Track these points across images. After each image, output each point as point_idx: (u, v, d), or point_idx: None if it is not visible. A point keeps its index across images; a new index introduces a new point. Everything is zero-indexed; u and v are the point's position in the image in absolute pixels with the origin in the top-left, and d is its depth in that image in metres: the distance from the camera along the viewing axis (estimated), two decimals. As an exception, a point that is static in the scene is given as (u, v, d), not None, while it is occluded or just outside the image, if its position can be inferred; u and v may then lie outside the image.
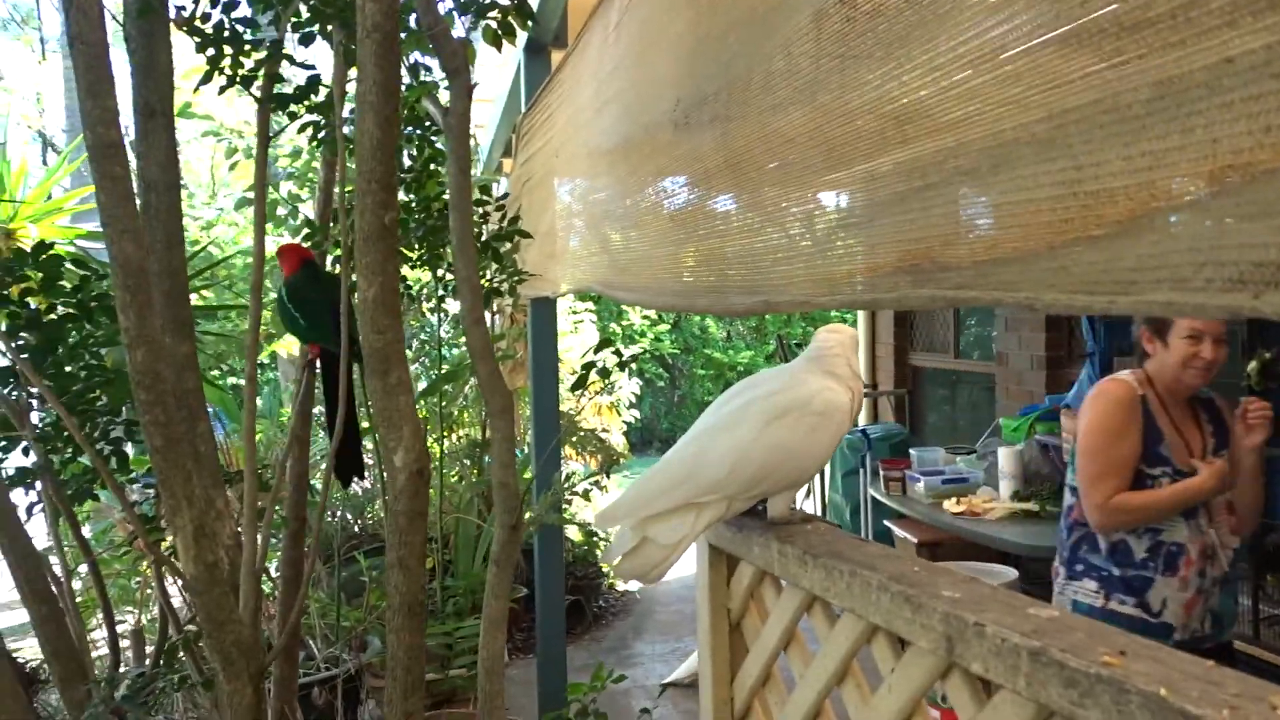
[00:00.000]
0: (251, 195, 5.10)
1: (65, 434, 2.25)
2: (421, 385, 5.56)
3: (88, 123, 1.57)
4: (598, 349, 2.34)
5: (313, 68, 1.98)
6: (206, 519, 1.72)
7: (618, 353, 2.33)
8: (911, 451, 5.72)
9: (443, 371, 5.14)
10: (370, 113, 1.54)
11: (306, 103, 1.97)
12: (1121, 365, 4.07)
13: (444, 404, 5.37)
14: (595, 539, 6.40)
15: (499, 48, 2.34)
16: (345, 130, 2.25)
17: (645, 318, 13.61)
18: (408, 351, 6.41)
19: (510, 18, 2.20)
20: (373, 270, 1.59)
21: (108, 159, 1.58)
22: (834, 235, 1.84)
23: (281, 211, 4.63)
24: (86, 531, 4.84)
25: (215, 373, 4.65)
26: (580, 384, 2.35)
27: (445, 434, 5.55)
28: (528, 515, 4.23)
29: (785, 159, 1.95)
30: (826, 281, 1.81)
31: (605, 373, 2.28)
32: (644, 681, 5.09)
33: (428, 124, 2.92)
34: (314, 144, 2.45)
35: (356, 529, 5.50)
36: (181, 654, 2.29)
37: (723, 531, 1.57)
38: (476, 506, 5.24)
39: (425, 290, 5.00)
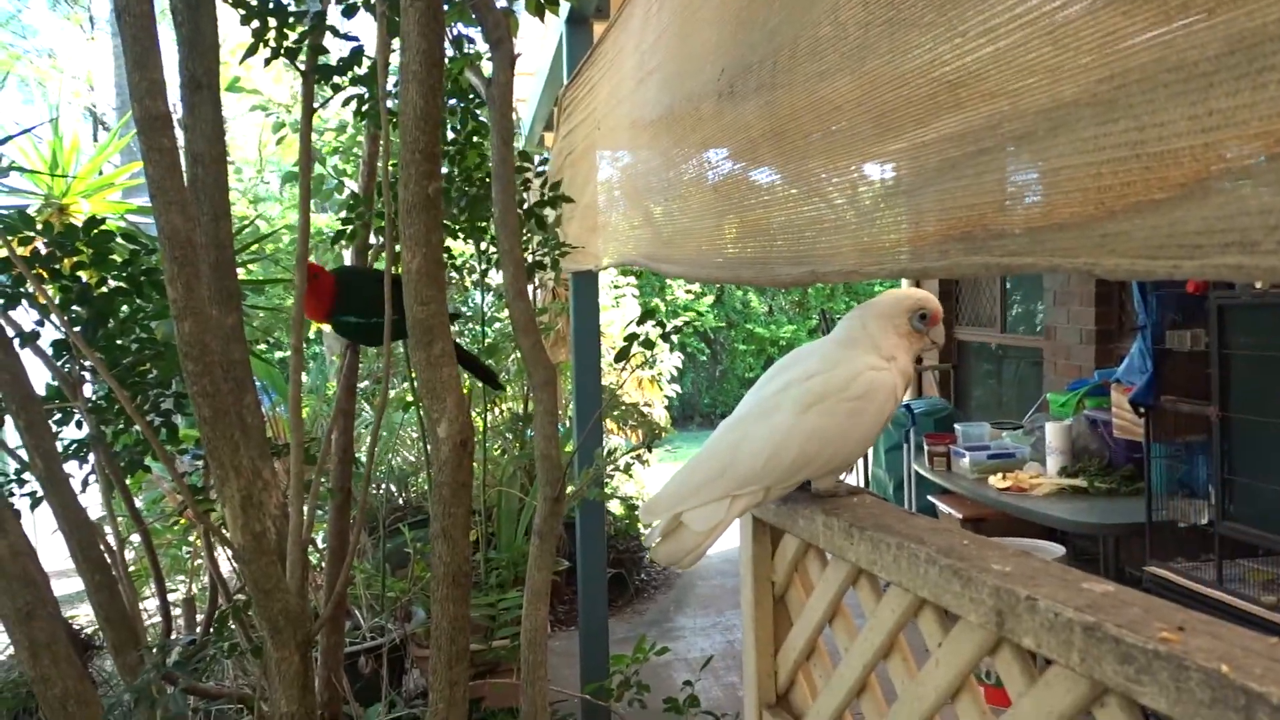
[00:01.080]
0: (298, 169, 5.12)
1: (117, 406, 2.29)
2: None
3: (135, 95, 1.57)
4: (640, 320, 2.33)
5: (356, 39, 1.98)
6: (254, 489, 1.73)
7: (660, 324, 2.31)
8: (956, 427, 5.66)
9: (485, 345, 5.16)
10: (414, 83, 1.53)
11: (350, 74, 1.97)
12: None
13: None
14: (637, 513, 6.42)
15: (541, 17, 2.32)
16: (389, 104, 2.25)
17: (688, 292, 13.57)
18: (452, 325, 6.46)
19: (553, -13, 2.17)
20: (416, 241, 1.59)
21: (155, 131, 1.58)
22: (882, 203, 1.81)
23: (329, 185, 4.66)
24: (139, 502, 4.95)
25: (262, 347, 4.70)
26: (623, 355, 2.34)
27: (488, 408, 5.58)
28: (569, 489, 4.25)
29: (832, 127, 1.92)
30: (874, 250, 1.77)
31: (649, 344, 2.27)
32: (685, 655, 5.11)
33: (471, 96, 2.92)
34: (358, 117, 2.46)
35: (401, 501, 5.56)
36: (231, 622, 2.33)
37: (767, 505, 1.55)
38: (519, 480, 5.27)
39: (468, 264, 5.02)
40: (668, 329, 2.39)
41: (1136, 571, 3.87)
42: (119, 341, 2.35)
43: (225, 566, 2.96)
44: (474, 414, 5.94)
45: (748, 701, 1.63)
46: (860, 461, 7.14)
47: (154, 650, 1.89)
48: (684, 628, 5.63)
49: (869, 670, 1.33)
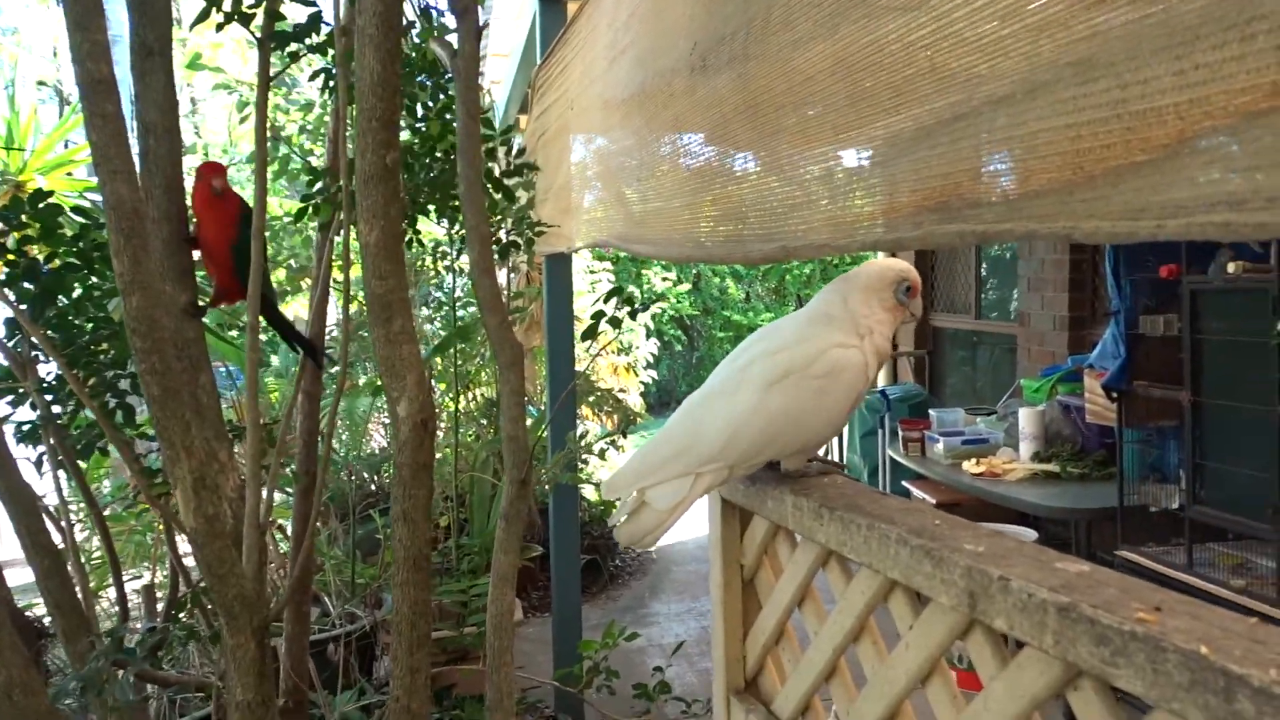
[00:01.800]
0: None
1: (69, 388, 2.22)
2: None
3: (76, 57, 1.50)
4: (607, 298, 2.27)
5: (314, 4, 1.91)
6: (208, 471, 1.67)
7: (629, 300, 2.25)
8: (931, 412, 5.65)
9: (458, 328, 5.09)
10: (370, 47, 1.47)
11: (307, 42, 1.90)
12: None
13: (460, 362, 5.32)
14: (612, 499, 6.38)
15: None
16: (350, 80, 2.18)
17: (665, 279, 13.51)
18: (424, 309, 6.35)
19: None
20: (374, 214, 1.53)
21: (99, 95, 1.51)
22: (855, 176, 1.77)
23: (294, 165, 4.57)
24: (105, 486, 4.85)
25: (234, 333, 4.61)
26: (590, 334, 2.28)
27: (461, 393, 5.52)
28: (543, 473, 4.21)
29: (805, 97, 1.87)
30: (846, 224, 1.73)
31: (615, 322, 2.21)
32: (659, 640, 5.08)
33: (441, 71, 2.85)
34: (323, 92, 2.38)
35: (373, 487, 5.49)
36: (191, 609, 2.27)
37: (736, 486, 1.51)
38: (492, 465, 5.21)
39: (440, 247, 4.94)
40: (635, 307, 2.33)
41: (1108, 556, 3.88)
42: (72, 320, 2.28)
43: (188, 554, 2.89)
44: (446, 399, 5.89)
45: (716, 687, 1.59)
46: (835, 448, 7.13)
47: (104, 638, 1.83)
48: (659, 613, 5.60)
49: (839, 654, 1.29)
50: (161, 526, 3.33)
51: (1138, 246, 3.96)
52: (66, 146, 4.43)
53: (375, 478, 5.52)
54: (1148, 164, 0.89)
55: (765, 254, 2.07)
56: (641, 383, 7.85)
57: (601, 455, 5.07)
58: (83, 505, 2.71)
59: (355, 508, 4.55)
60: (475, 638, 4.00)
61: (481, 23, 2.15)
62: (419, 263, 5.54)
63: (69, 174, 4.00)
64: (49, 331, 2.20)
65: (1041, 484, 4.47)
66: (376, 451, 5.74)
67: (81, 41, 1.50)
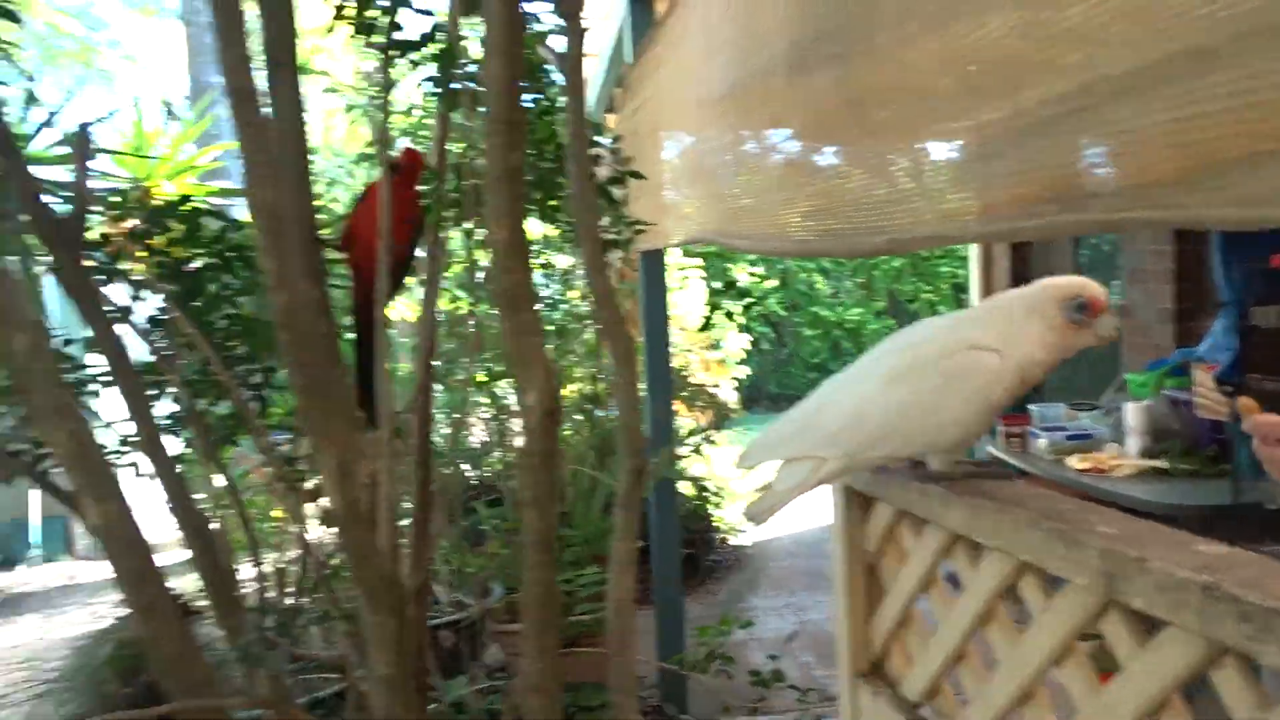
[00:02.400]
0: (369, 151, 5.17)
1: (210, 381, 2.36)
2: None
3: (226, 70, 1.62)
4: (722, 291, 2.32)
5: (432, 14, 2.00)
6: (348, 457, 1.77)
7: (744, 293, 2.30)
8: (1031, 408, 5.55)
9: (555, 328, 5.21)
10: (497, 54, 1.54)
11: (426, 51, 1.99)
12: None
13: (556, 359, 5.43)
14: (706, 493, 6.42)
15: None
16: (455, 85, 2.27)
17: (752, 274, 13.49)
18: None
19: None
20: (501, 212, 1.61)
21: (245, 105, 1.62)
22: (966, 168, 1.78)
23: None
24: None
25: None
26: (706, 326, 2.33)
27: (561, 388, 5.63)
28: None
29: (913, 92, 1.89)
30: (957, 216, 1.75)
31: (731, 315, 2.25)
32: (759, 634, 5.11)
33: (544, 74, 2.93)
34: (428, 97, 2.46)
35: (476, 480, 5.63)
36: (323, 590, 2.39)
37: (859, 473, 1.54)
38: (590, 459, 5.31)
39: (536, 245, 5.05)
40: (751, 299, 2.37)
41: (1223, 552, 3.78)
42: (207, 318, 2.42)
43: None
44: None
45: (841, 671, 1.63)
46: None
47: (255, 613, 1.95)
48: (756, 608, 5.63)
49: (967, 638, 1.32)
50: (283, 513, 3.49)
51: (1247, 236, 3.85)
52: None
53: (478, 471, 5.66)
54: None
55: (874, 247, 2.09)
56: (734, 378, 7.87)
57: (697, 450, 5.11)
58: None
59: (461, 499, 4.68)
60: (584, 625, 4.09)
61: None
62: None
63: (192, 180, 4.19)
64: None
65: (1150, 480, 4.36)
66: (478, 445, 5.88)
67: (229, 56, 1.61)
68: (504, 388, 5.27)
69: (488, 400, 5.71)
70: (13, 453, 2.54)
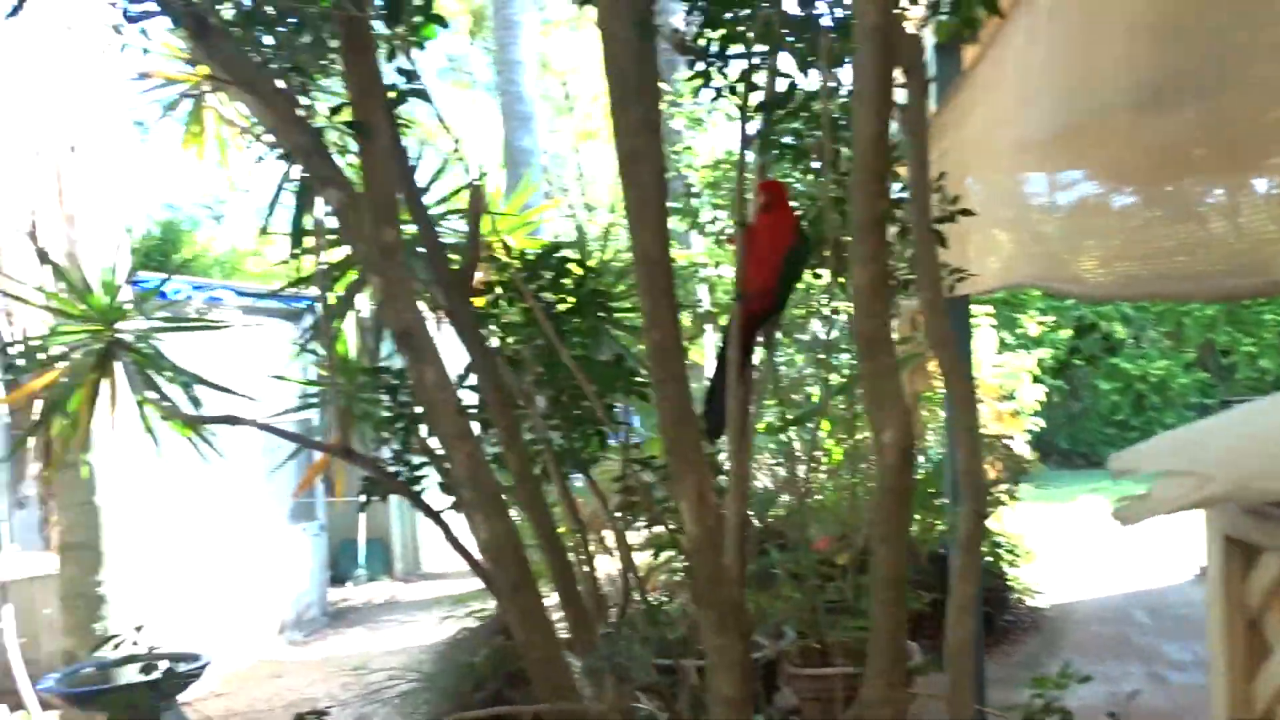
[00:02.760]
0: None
1: (561, 414, 2.58)
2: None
3: (619, 133, 1.82)
4: (1080, 334, 2.28)
5: (788, 75, 2.13)
6: (705, 486, 1.90)
7: (1106, 338, 2.25)
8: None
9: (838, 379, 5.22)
10: (866, 106, 1.64)
11: (787, 109, 2.12)
12: None
13: (849, 406, 5.43)
14: (1001, 550, 6.16)
15: (960, 39, 2.37)
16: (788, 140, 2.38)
17: (1041, 324, 12.83)
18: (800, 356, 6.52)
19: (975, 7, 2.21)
20: (866, 258, 1.69)
21: (636, 164, 1.81)
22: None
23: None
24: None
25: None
26: (1065, 366, 2.30)
27: (852, 435, 5.62)
28: (940, 525, 4.19)
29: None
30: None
31: (1090, 358, 2.22)
32: (1065, 702, 4.82)
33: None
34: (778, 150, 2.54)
35: (765, 524, 5.71)
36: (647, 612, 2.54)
37: (1240, 520, 1.48)
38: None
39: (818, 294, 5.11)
40: (1112, 342, 2.32)
41: None
42: (555, 359, 2.65)
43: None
44: (832, 442, 6.02)
45: (1221, 728, 1.56)
46: None
47: (623, 627, 2.12)
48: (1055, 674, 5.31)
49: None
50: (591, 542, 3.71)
51: None
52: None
53: (766, 515, 5.74)
54: None
55: (1249, 288, 2.00)
56: (1028, 430, 7.53)
57: (997, 503, 4.94)
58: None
59: (753, 542, 4.77)
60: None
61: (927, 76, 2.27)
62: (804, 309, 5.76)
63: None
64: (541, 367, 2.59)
65: None
66: (764, 489, 5.97)
67: (621, 119, 1.81)
68: (792, 434, 5.34)
69: (774, 446, 5.79)
70: (391, 474, 2.90)
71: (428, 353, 2.01)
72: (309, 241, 2.76)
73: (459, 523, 2.30)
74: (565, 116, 18.35)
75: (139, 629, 2.37)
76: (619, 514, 2.69)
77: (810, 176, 3.27)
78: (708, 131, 5.78)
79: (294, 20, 2.03)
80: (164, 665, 4.57)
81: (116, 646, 2.41)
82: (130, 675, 4.71)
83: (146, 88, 3.80)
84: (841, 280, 2.62)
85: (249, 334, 5.48)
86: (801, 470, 5.57)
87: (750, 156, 2.34)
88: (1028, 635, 6.01)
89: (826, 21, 2.08)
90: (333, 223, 2.79)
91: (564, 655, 2.09)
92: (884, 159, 1.67)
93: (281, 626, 7.16)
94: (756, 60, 2.08)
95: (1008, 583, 6.16)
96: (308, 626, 7.48)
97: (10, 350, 4.70)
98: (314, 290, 3.15)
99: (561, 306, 2.43)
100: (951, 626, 2.04)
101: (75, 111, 4.72)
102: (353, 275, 2.92)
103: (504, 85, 10.32)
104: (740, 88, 2.12)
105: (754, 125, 2.26)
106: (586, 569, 2.68)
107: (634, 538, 3.08)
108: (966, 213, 2.69)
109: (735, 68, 2.21)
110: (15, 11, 1.91)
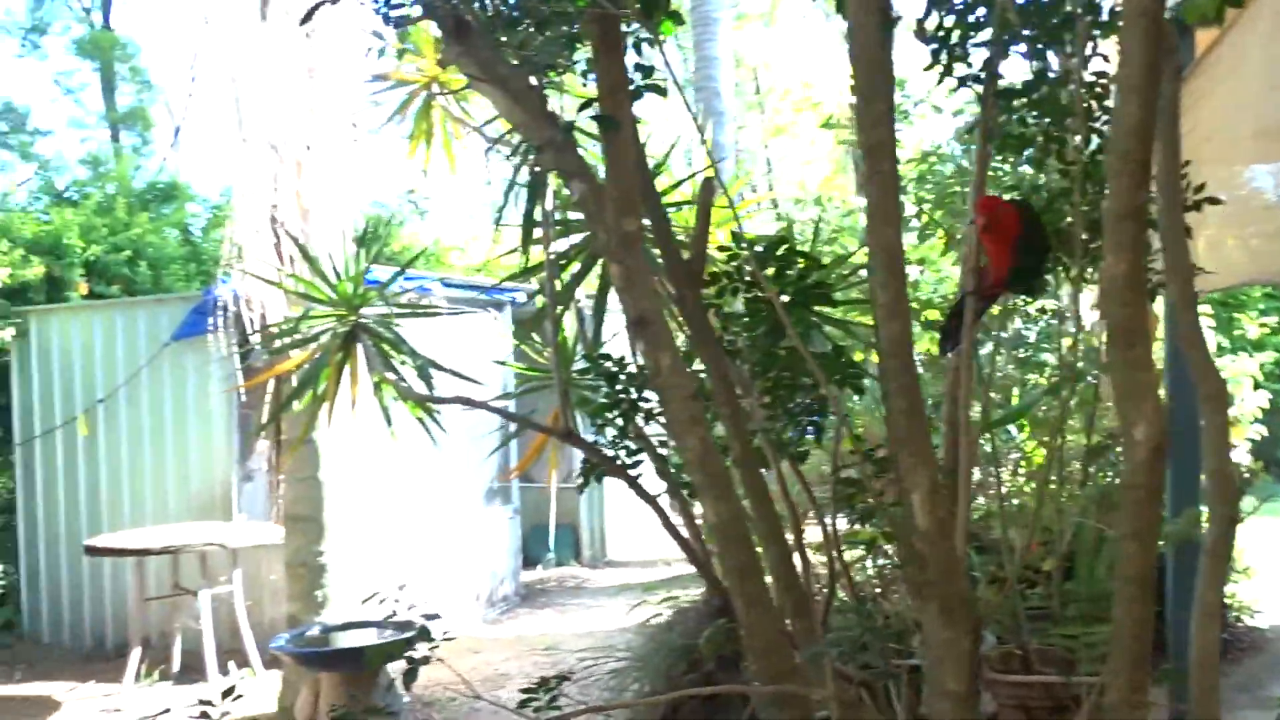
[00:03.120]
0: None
1: (777, 405, 2.62)
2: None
3: (861, 125, 1.84)
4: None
5: (1041, 61, 2.09)
6: (936, 479, 1.90)
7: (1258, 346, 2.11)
8: None
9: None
10: (1133, 95, 1.59)
11: (1029, 98, 2.08)
12: None
13: (1056, 408, 5.23)
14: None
15: (1220, 20, 2.26)
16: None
17: (1263, 325, 11.87)
18: (999, 354, 6.33)
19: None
20: (1122, 247, 1.65)
21: (877, 157, 1.83)
22: None
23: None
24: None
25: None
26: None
27: (1060, 439, 5.41)
28: (1164, 529, 3.97)
29: None
30: None
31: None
32: (1290, 728, 4.49)
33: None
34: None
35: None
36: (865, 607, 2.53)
37: None
38: (1091, 514, 5.04)
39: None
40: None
41: None
42: (775, 349, 2.69)
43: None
44: (1033, 445, 5.80)
45: None
46: None
47: (858, 614, 2.15)
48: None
49: None
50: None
51: None
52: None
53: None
54: None
55: None
56: (1249, 439, 7.03)
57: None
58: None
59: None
60: (1086, 687, 3.88)
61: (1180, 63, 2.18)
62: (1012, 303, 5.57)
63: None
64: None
65: None
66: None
67: (865, 112, 1.83)
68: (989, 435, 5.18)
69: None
70: (608, 457, 3.01)
71: (663, 339, 2.09)
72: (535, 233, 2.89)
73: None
74: (755, 112, 18.33)
75: (401, 588, 2.54)
76: (830, 505, 2.70)
77: (1029, 169, 3.18)
78: (913, 125, 5.69)
79: (541, 20, 2.15)
80: (388, 632, 4.90)
81: (381, 603, 2.61)
82: (348, 640, 5.08)
83: (380, 89, 4.07)
84: (1073, 273, 2.55)
85: (460, 322, 5.77)
86: (1001, 472, 5.40)
87: (958, 149, 2.31)
88: (1246, 655, 5.63)
89: (1073, 8, 2.03)
90: (559, 215, 2.93)
91: (787, 642, 2.12)
92: (1148, 148, 1.62)
93: (478, 604, 7.51)
94: (999, 49, 2.05)
95: (1225, 599, 5.77)
96: (501, 605, 7.81)
97: (259, 335, 5.13)
98: (528, 282, 3.31)
99: (783, 298, 2.46)
100: (1197, 634, 1.97)
101: (311, 110, 5.10)
102: (575, 266, 3.04)
103: (700, 81, 10.42)
104: (982, 76, 2.10)
105: (966, 117, 2.23)
106: (800, 558, 2.71)
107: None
108: (1214, 201, 2.56)
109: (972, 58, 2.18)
110: (308, 18, 2.10)
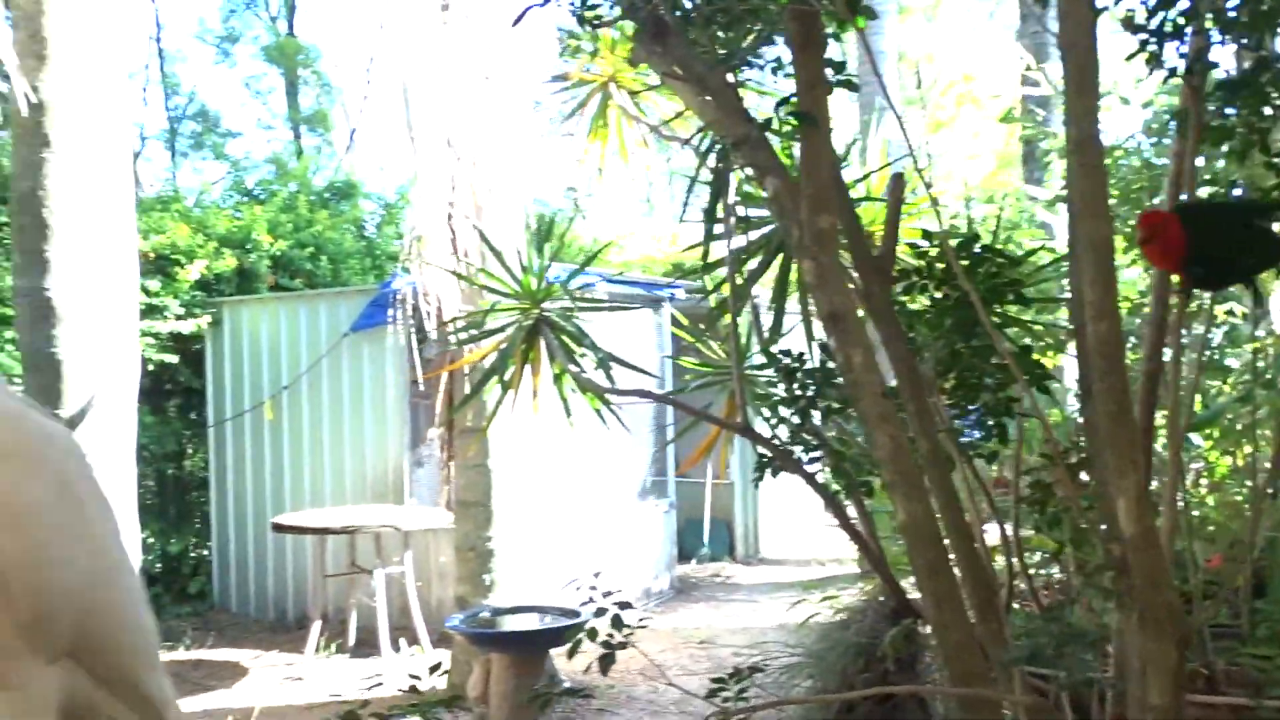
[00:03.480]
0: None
1: (961, 404, 2.58)
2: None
3: (1071, 118, 1.79)
4: None
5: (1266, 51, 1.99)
6: (1144, 485, 1.84)
7: None
8: None
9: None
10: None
11: (1248, 90, 1.98)
12: None
13: (1246, 416, 4.92)
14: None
15: None
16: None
17: None
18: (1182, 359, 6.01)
19: None
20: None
21: (1086, 150, 1.78)
22: None
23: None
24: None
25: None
26: None
27: (1243, 448, 5.09)
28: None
29: None
30: None
31: None
32: None
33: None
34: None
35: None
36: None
37: None
38: (1288, 527, 4.72)
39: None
40: None
41: None
42: (959, 348, 2.64)
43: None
44: (1216, 455, 5.47)
45: None
46: None
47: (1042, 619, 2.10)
48: None
49: None
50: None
51: None
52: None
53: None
54: None
55: None
56: None
57: None
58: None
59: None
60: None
61: None
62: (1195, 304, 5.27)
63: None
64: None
65: None
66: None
67: (1077, 105, 1.78)
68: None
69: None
70: (786, 453, 3.02)
71: (856, 336, 2.09)
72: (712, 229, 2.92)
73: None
74: (915, 107, 17.93)
75: (597, 575, 2.63)
76: (1010, 509, 2.64)
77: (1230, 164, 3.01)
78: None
79: (733, 19, 2.18)
80: (547, 618, 5.05)
81: (577, 589, 2.72)
82: (515, 623, 5.26)
83: (558, 88, 4.19)
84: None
85: (623, 317, 5.88)
86: (1183, 483, 5.12)
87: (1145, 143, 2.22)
88: None
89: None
90: (739, 211, 2.95)
91: (975, 641, 2.09)
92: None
93: (634, 595, 7.64)
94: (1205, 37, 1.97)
95: None
96: (657, 598, 7.91)
97: (439, 327, 5.37)
98: (701, 279, 3.35)
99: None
100: None
101: (487, 111, 5.29)
102: (751, 262, 3.06)
103: (866, 76, 10.23)
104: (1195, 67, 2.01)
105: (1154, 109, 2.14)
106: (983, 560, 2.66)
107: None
108: None
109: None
110: (519, 20, 2.19)
